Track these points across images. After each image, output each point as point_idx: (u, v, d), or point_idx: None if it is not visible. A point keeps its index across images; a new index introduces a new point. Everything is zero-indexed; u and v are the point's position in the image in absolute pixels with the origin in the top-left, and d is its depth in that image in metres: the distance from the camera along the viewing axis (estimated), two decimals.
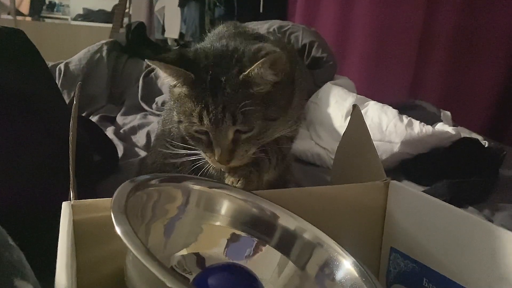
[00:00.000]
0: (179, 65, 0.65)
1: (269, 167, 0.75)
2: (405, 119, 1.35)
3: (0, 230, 0.40)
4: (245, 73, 0.64)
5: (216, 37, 0.77)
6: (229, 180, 0.69)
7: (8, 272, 0.36)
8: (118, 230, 0.42)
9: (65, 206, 0.54)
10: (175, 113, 0.70)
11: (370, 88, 2.12)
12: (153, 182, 0.58)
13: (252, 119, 0.65)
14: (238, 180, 0.69)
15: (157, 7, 3.60)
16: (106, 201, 0.53)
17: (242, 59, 0.66)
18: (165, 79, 0.68)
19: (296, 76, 0.75)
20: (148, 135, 1.48)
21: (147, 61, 0.67)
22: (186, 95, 0.66)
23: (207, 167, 0.72)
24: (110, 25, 3.38)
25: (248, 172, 0.70)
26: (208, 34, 0.83)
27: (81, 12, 5.16)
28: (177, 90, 0.68)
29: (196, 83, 0.65)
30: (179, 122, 0.69)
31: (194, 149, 0.71)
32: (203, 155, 0.70)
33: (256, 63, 0.63)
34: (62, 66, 1.83)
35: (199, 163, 0.72)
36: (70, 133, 0.58)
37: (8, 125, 0.76)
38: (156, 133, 1.07)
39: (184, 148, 0.73)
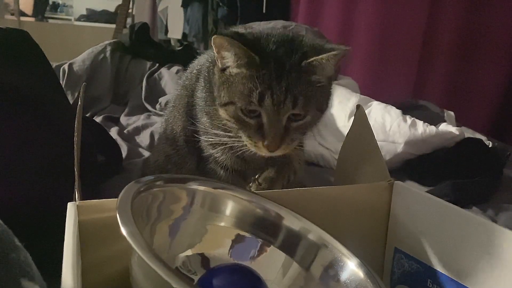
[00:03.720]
0: (244, 45, 0.65)
1: (290, 172, 0.78)
2: (409, 119, 1.34)
3: (6, 231, 0.40)
4: (308, 60, 0.65)
5: None
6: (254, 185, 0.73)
7: (15, 273, 0.36)
8: (123, 230, 0.42)
9: (71, 207, 0.55)
10: (223, 94, 0.69)
11: (374, 88, 2.12)
12: (158, 183, 0.58)
13: (309, 105, 0.66)
14: (263, 182, 0.73)
15: (160, 8, 3.61)
16: (111, 202, 0.53)
17: (303, 47, 0.68)
18: (224, 58, 0.67)
19: None
20: (151, 135, 1.49)
21: (215, 36, 0.65)
22: (247, 76, 0.66)
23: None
24: (113, 26, 3.39)
25: (274, 175, 0.74)
26: None
27: (84, 12, 5.17)
28: (233, 70, 0.68)
29: (260, 66, 0.65)
30: (228, 104, 0.68)
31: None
32: (245, 140, 0.69)
33: (327, 54, 0.65)
34: (66, 66, 1.84)
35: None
36: (75, 134, 0.58)
37: (12, 125, 0.76)
38: (159, 132, 1.08)
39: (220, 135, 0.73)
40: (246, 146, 0.69)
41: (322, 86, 0.68)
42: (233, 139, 0.71)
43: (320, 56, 0.65)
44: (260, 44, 0.68)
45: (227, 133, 0.72)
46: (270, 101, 0.64)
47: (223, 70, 0.69)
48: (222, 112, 0.70)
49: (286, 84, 0.64)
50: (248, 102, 0.65)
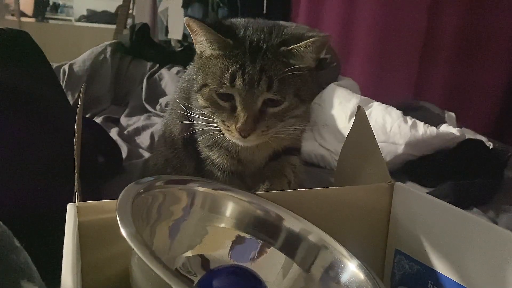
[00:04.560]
0: (217, 31, 0.65)
1: (283, 185, 0.76)
2: (409, 120, 1.34)
3: (6, 232, 0.40)
4: (288, 48, 0.64)
5: None
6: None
7: (15, 274, 0.36)
8: (123, 231, 0.42)
9: (71, 208, 0.54)
10: (199, 78, 0.68)
11: (374, 89, 2.12)
12: (158, 184, 0.58)
13: (285, 90, 0.64)
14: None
15: (160, 8, 3.60)
16: (111, 203, 0.53)
17: (283, 34, 0.67)
18: (199, 43, 0.68)
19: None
20: (152, 136, 1.49)
21: (185, 19, 0.65)
22: (219, 56, 0.66)
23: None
24: (114, 26, 3.39)
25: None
26: None
27: (84, 13, 5.17)
28: (208, 51, 0.67)
29: (233, 47, 0.65)
30: (203, 86, 0.67)
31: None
32: (220, 125, 0.67)
33: (305, 41, 0.64)
34: (66, 67, 1.84)
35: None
36: (75, 134, 0.58)
37: (13, 126, 0.76)
38: (159, 135, 1.07)
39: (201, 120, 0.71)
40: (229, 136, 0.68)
41: (303, 73, 0.67)
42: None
43: (299, 44, 0.64)
44: (235, 30, 0.67)
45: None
46: (241, 81, 0.63)
47: (200, 56, 0.69)
48: (199, 99, 0.69)
49: (261, 65, 0.63)
50: (220, 83, 0.64)
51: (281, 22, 2.10)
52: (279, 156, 0.78)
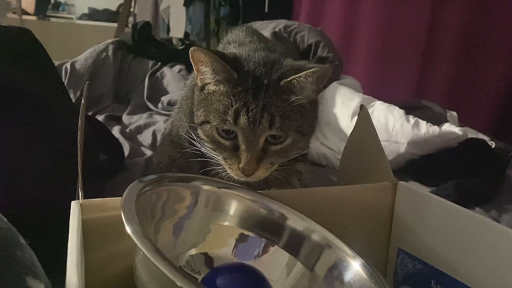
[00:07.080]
0: (225, 61, 0.64)
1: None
2: (412, 119, 1.34)
3: (11, 229, 0.40)
4: (288, 79, 0.64)
5: (235, 44, 0.79)
6: None
7: (20, 271, 0.36)
8: (128, 229, 0.42)
9: (74, 205, 0.55)
10: (200, 113, 0.68)
11: (376, 88, 2.12)
12: (162, 181, 0.58)
13: (287, 126, 0.64)
14: None
15: (162, 6, 3.61)
16: (115, 201, 0.54)
17: (283, 68, 0.67)
18: (202, 73, 0.66)
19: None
20: (153, 134, 1.49)
21: (193, 48, 0.63)
22: (223, 93, 0.65)
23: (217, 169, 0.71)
24: (115, 25, 3.39)
25: None
26: (225, 38, 0.83)
27: (86, 11, 5.19)
28: (211, 87, 0.67)
29: (237, 82, 0.64)
30: (204, 123, 0.67)
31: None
32: (222, 162, 0.67)
33: (305, 72, 0.63)
34: (68, 65, 1.83)
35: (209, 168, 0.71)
36: (79, 132, 0.58)
37: (15, 124, 0.76)
38: (163, 133, 1.07)
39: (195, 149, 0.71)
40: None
41: (303, 108, 0.66)
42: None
43: (299, 75, 0.64)
44: (239, 63, 0.67)
45: None
46: (246, 119, 0.62)
47: (202, 88, 0.68)
48: (199, 132, 0.69)
49: (263, 102, 0.63)
50: (223, 120, 0.63)
51: (284, 21, 2.09)
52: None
